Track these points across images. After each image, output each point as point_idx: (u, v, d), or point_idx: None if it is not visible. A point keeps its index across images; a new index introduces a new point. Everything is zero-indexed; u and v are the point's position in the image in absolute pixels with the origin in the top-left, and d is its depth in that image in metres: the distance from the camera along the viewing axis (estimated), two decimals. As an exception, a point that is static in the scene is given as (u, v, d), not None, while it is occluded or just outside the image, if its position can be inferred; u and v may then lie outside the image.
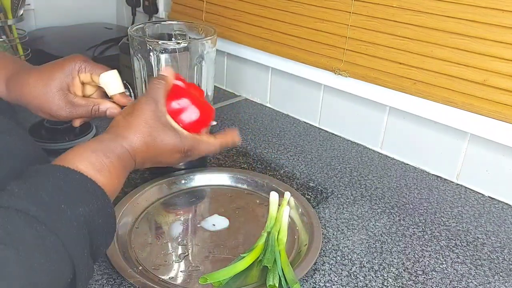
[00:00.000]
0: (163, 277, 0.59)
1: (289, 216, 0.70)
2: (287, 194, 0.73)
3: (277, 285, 0.57)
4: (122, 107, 0.65)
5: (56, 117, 0.62)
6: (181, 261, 0.62)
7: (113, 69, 0.66)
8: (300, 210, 0.72)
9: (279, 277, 0.58)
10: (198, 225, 0.70)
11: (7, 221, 0.36)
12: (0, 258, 0.33)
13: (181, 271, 0.60)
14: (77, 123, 0.66)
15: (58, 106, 0.60)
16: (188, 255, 0.63)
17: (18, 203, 0.38)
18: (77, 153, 0.47)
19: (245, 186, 0.79)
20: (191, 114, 0.61)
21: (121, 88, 0.66)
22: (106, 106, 0.63)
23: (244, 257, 0.61)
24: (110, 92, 0.65)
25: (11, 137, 0.50)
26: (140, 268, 0.59)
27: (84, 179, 0.44)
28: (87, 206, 0.42)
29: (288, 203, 0.72)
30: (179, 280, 0.59)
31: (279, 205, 0.71)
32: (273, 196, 0.72)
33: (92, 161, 0.46)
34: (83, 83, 0.65)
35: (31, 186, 0.40)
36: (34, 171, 0.42)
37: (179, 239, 0.66)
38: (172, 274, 0.60)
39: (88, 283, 0.43)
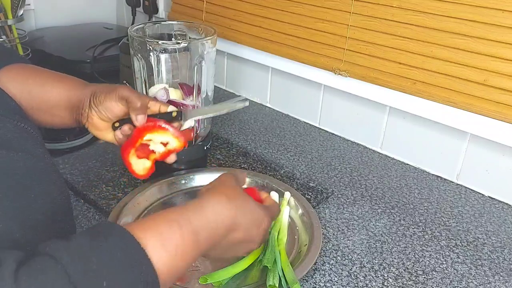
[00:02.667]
0: None
1: (289, 216, 0.70)
2: (287, 194, 0.73)
3: (277, 285, 0.57)
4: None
5: (104, 117, 0.64)
6: None
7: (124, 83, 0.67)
8: (300, 210, 0.72)
9: (279, 277, 0.58)
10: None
11: (44, 276, 0.35)
12: None
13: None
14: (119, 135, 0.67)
15: (114, 106, 0.63)
16: None
17: (68, 265, 0.36)
18: (154, 220, 0.44)
19: (244, 186, 0.79)
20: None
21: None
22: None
23: (244, 257, 0.61)
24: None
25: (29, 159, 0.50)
26: None
27: (141, 261, 0.40)
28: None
29: (288, 203, 0.72)
30: (179, 281, 0.59)
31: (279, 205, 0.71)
32: (273, 196, 0.72)
33: (162, 233, 0.43)
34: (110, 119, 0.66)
35: (89, 249, 0.38)
36: (103, 228, 0.41)
37: None
38: None
39: None
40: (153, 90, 0.77)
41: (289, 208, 0.71)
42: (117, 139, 0.66)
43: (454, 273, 0.64)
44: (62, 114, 0.64)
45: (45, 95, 0.62)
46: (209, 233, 0.47)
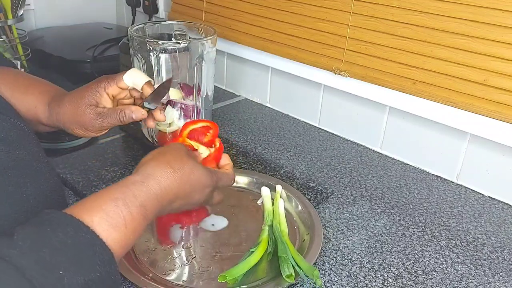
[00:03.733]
0: (177, 282, 0.59)
1: (286, 209, 0.72)
2: (279, 187, 0.74)
3: (294, 274, 0.58)
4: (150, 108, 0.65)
5: (91, 128, 0.64)
6: (190, 263, 0.62)
7: (128, 68, 0.67)
8: (300, 209, 0.72)
9: (293, 266, 0.59)
10: (198, 227, 0.70)
11: (1, 277, 0.34)
12: None
13: (192, 274, 0.61)
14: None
15: (89, 119, 0.63)
16: (195, 257, 0.64)
17: (18, 260, 0.36)
18: (97, 200, 0.45)
19: (234, 184, 0.80)
20: (205, 151, 0.65)
21: (146, 78, 0.67)
22: (131, 110, 0.64)
23: (253, 251, 0.62)
24: (139, 85, 0.66)
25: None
26: (151, 275, 0.59)
27: (93, 241, 0.41)
28: (88, 275, 0.39)
29: (281, 195, 0.73)
30: (194, 283, 0.59)
31: (272, 198, 0.73)
32: (265, 191, 0.74)
33: (109, 213, 0.43)
34: (114, 97, 0.67)
35: (37, 240, 0.38)
36: (46, 219, 0.40)
37: (182, 242, 0.67)
38: (184, 277, 0.60)
39: None
40: None
41: (283, 201, 0.72)
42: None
43: (454, 273, 0.64)
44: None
45: (27, 103, 0.64)
46: (155, 204, 0.49)
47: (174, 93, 0.76)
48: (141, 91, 0.66)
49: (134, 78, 0.66)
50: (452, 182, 0.87)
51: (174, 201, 0.52)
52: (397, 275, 0.63)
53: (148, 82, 0.66)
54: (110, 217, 0.43)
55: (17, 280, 0.34)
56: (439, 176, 0.89)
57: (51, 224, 0.40)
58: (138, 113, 0.64)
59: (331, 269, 0.64)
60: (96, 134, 0.66)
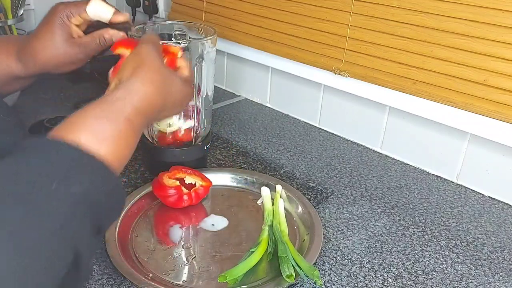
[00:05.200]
0: (177, 282, 0.59)
1: (286, 209, 0.72)
2: (279, 187, 0.74)
3: (294, 274, 0.58)
4: (125, 29, 0.66)
5: (76, 62, 0.64)
6: (190, 263, 0.62)
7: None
8: (300, 209, 0.72)
9: (293, 267, 0.59)
10: (198, 227, 0.70)
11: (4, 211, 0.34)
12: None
13: (192, 274, 0.61)
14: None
15: (72, 53, 0.62)
16: (195, 257, 0.64)
17: (6, 185, 0.35)
18: (78, 121, 0.43)
19: (234, 184, 0.80)
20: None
21: (111, 9, 0.65)
22: (110, 34, 0.64)
23: (253, 251, 0.62)
24: (106, 19, 0.65)
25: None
26: (151, 275, 0.59)
27: (79, 154, 0.40)
28: (82, 185, 0.38)
29: (281, 195, 0.73)
30: (194, 283, 0.59)
31: (272, 198, 0.73)
32: (265, 191, 0.74)
33: (94, 130, 0.43)
34: (78, 25, 0.66)
35: (21, 164, 0.37)
36: (27, 145, 0.39)
37: (182, 242, 0.67)
38: (184, 277, 0.60)
39: (93, 258, 0.41)
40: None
41: (283, 201, 0.72)
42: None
43: (454, 273, 0.64)
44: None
45: None
46: (141, 118, 0.49)
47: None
48: (109, 22, 0.65)
49: (98, 10, 0.64)
50: (452, 182, 0.87)
51: (158, 114, 0.54)
52: (397, 275, 0.63)
53: (116, 13, 0.65)
54: (97, 134, 0.43)
55: (11, 201, 0.34)
56: (439, 176, 0.89)
57: (32, 149, 0.39)
58: (117, 35, 0.65)
59: (331, 269, 0.64)
60: (80, 65, 0.66)
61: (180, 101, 0.57)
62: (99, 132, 0.43)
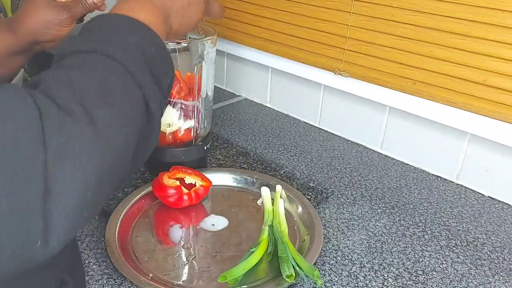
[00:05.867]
0: (177, 282, 0.59)
1: (286, 209, 0.72)
2: (279, 187, 0.74)
3: (294, 274, 0.58)
4: None
5: (63, 26, 0.65)
6: (190, 263, 0.62)
7: None
8: (300, 209, 0.72)
9: (293, 267, 0.59)
10: (198, 227, 0.70)
11: (72, 59, 0.40)
12: (79, 81, 0.37)
13: (192, 274, 0.61)
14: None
15: (56, 15, 0.64)
16: (195, 257, 0.64)
17: (75, 46, 0.41)
18: (115, 7, 0.49)
19: (234, 184, 0.80)
20: None
21: None
22: None
23: (253, 251, 0.62)
24: None
25: None
26: (151, 275, 0.59)
27: (121, 16, 0.46)
28: (135, 36, 0.44)
29: (281, 195, 0.73)
30: (194, 283, 0.59)
31: (272, 198, 0.73)
32: (265, 191, 0.74)
33: (121, 7, 0.48)
34: None
35: (80, 35, 0.44)
36: (84, 25, 0.46)
37: (182, 243, 0.67)
38: (184, 277, 0.60)
39: (161, 110, 0.45)
40: None
41: (283, 201, 0.72)
42: None
43: (454, 273, 0.64)
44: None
45: None
46: (165, 10, 0.53)
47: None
48: None
49: None
50: (452, 182, 0.87)
51: (180, 10, 0.56)
52: (397, 275, 0.63)
53: None
54: (123, 8, 0.48)
55: (87, 57, 0.40)
56: (439, 176, 0.89)
57: (83, 27, 0.45)
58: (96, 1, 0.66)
59: (331, 269, 0.64)
60: (67, 30, 0.67)
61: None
62: (125, 7, 0.48)
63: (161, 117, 0.45)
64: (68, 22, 0.66)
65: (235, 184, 0.80)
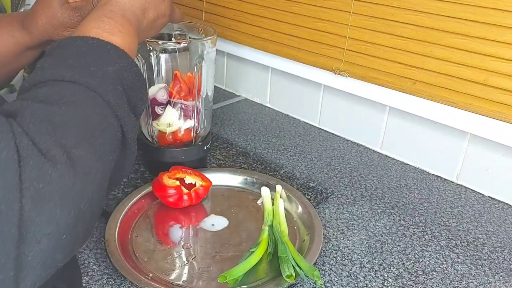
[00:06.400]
0: (177, 282, 0.59)
1: (286, 209, 0.72)
2: (279, 187, 0.74)
3: (294, 274, 0.58)
4: None
5: (74, 26, 0.65)
6: (190, 263, 0.62)
7: None
8: (300, 209, 0.72)
9: (293, 267, 0.59)
10: (198, 227, 0.70)
11: (50, 89, 0.39)
12: (59, 117, 0.36)
13: (192, 274, 0.61)
14: None
15: (68, 16, 0.64)
16: (195, 257, 0.64)
17: (53, 74, 0.40)
18: (83, 25, 0.48)
19: (234, 184, 0.80)
20: None
21: None
22: None
23: (253, 252, 0.62)
24: None
25: None
26: (151, 275, 0.59)
27: (102, 43, 0.45)
28: (114, 66, 0.43)
29: (281, 195, 0.73)
30: (194, 283, 0.59)
31: (272, 198, 0.73)
32: (265, 191, 0.74)
33: (100, 26, 0.47)
34: None
35: (57, 58, 0.42)
36: (54, 47, 0.44)
37: (182, 243, 0.67)
38: (184, 277, 0.60)
39: (135, 139, 0.45)
40: (153, 90, 0.77)
41: (283, 201, 0.72)
42: None
43: (454, 273, 0.64)
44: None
45: None
46: (132, 15, 0.53)
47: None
48: None
49: None
50: (452, 182, 0.87)
51: (146, 12, 0.56)
52: (397, 275, 0.63)
53: None
54: (103, 28, 0.47)
55: (62, 86, 0.39)
56: (439, 176, 0.89)
57: (61, 47, 0.44)
58: None
59: (331, 269, 0.64)
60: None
61: (159, 1, 0.59)
62: (105, 27, 0.48)
63: (136, 146, 0.45)
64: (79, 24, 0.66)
65: (235, 184, 0.80)
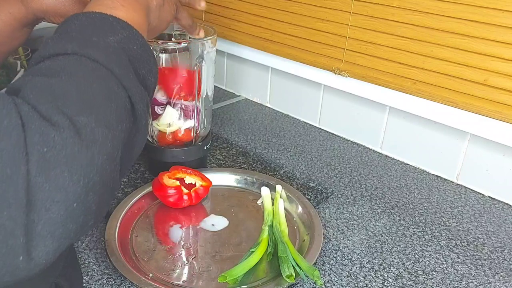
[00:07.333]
0: (177, 282, 0.59)
1: (286, 209, 0.72)
2: (279, 187, 0.74)
3: (294, 274, 0.58)
4: None
5: (74, 11, 0.64)
6: (190, 263, 0.62)
7: None
8: (300, 209, 0.72)
9: (293, 267, 0.59)
10: (198, 227, 0.70)
11: (52, 63, 0.38)
12: (59, 88, 0.36)
13: (192, 274, 0.61)
14: None
15: (69, 4, 0.63)
16: (195, 257, 0.64)
17: (55, 48, 0.40)
18: (89, 5, 0.47)
19: (234, 184, 0.80)
20: None
21: None
22: None
23: (253, 252, 0.62)
24: None
25: None
26: (151, 275, 0.59)
27: (104, 15, 0.44)
28: (116, 35, 0.42)
29: (281, 195, 0.73)
30: (194, 283, 0.59)
31: (272, 198, 0.73)
32: (265, 191, 0.74)
33: (104, 3, 0.46)
34: None
35: (61, 34, 0.42)
36: (59, 25, 0.44)
37: (182, 242, 0.67)
38: (184, 277, 0.60)
39: (147, 110, 0.44)
40: None
41: (283, 201, 0.72)
42: None
43: (454, 273, 0.64)
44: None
45: None
46: (143, 2, 0.51)
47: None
48: None
49: None
50: (452, 182, 0.87)
51: (157, 7, 0.54)
52: (397, 275, 0.63)
53: None
54: (107, 5, 0.46)
55: (66, 59, 0.39)
56: (439, 176, 0.89)
57: (64, 22, 0.44)
58: None
59: (331, 269, 0.64)
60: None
61: None
62: (108, 3, 0.47)
63: (148, 117, 0.44)
64: (79, 9, 0.64)
65: (235, 184, 0.80)
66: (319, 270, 0.62)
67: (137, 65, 0.44)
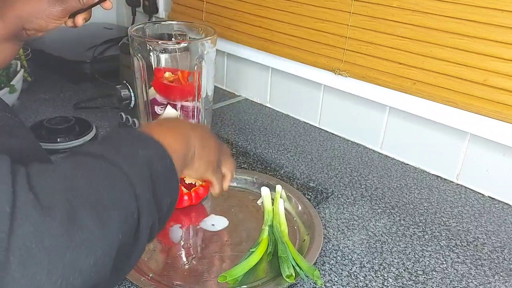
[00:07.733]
0: (177, 282, 0.59)
1: (286, 209, 0.72)
2: (279, 187, 0.74)
3: (294, 274, 0.58)
4: None
5: (52, 17, 0.63)
6: (190, 263, 0.62)
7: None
8: (300, 209, 0.72)
9: (293, 267, 0.59)
10: (198, 227, 0.70)
11: (79, 159, 0.40)
12: (73, 183, 0.36)
13: (192, 274, 0.61)
14: (79, 21, 0.66)
15: (49, 9, 0.62)
16: (195, 257, 0.64)
17: (88, 148, 0.42)
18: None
19: (234, 184, 0.80)
20: None
21: None
22: None
23: (253, 252, 0.62)
24: None
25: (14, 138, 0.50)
26: (151, 275, 0.59)
27: (142, 134, 0.46)
28: (145, 150, 0.43)
29: (281, 195, 0.73)
30: (194, 283, 0.59)
31: (272, 198, 0.73)
32: (265, 191, 0.74)
33: (152, 129, 0.48)
34: None
35: (102, 140, 0.45)
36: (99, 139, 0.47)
37: (182, 242, 0.67)
38: (184, 277, 0.60)
39: (152, 233, 0.43)
40: (153, 90, 0.77)
41: (283, 201, 0.72)
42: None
43: (454, 273, 0.64)
44: None
45: None
46: (184, 133, 0.52)
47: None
48: None
49: None
50: (452, 182, 0.87)
51: (194, 147, 0.54)
52: (397, 275, 0.63)
53: None
54: (149, 128, 0.49)
55: (89, 159, 0.40)
56: (439, 176, 0.89)
57: (109, 132, 0.46)
58: None
59: (331, 269, 0.64)
60: (56, 23, 0.65)
61: (213, 147, 0.58)
62: (151, 128, 0.50)
63: (149, 240, 0.42)
64: (60, 15, 0.64)
65: (235, 184, 0.80)
66: (319, 270, 0.62)
67: (157, 184, 0.43)
